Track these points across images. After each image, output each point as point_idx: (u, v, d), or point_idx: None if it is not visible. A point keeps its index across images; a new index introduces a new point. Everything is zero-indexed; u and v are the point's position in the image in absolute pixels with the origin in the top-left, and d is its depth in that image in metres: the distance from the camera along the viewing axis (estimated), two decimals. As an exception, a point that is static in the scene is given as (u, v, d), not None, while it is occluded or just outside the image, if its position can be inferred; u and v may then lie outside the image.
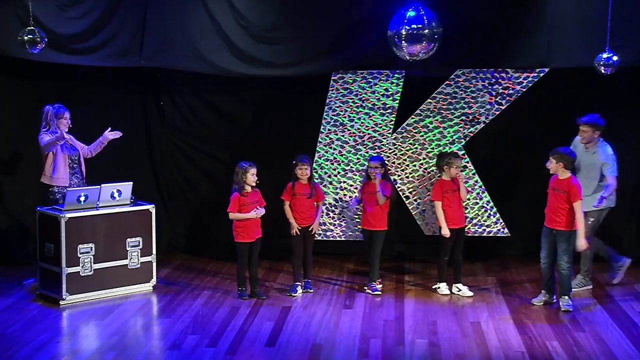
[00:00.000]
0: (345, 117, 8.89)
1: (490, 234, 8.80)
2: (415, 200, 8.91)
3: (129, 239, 7.71)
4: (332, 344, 6.45)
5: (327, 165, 8.93)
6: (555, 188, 7.30)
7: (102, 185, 7.69)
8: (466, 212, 8.39)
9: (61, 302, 7.36)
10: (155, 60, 8.50)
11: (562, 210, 7.20)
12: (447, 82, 8.73)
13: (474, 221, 8.74)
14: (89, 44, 8.33)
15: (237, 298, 7.58)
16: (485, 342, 6.48)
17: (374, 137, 8.89)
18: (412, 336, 6.63)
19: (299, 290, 7.82)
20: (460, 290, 7.78)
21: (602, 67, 7.49)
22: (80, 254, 7.43)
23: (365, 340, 6.55)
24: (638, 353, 6.21)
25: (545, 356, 6.19)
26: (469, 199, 8.46)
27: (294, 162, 7.83)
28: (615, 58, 7.44)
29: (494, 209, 8.80)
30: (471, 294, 7.71)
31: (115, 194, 7.69)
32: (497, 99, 8.73)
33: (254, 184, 7.58)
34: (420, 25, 6.27)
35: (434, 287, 7.88)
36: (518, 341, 6.51)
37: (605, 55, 7.46)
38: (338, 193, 8.81)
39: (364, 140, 8.90)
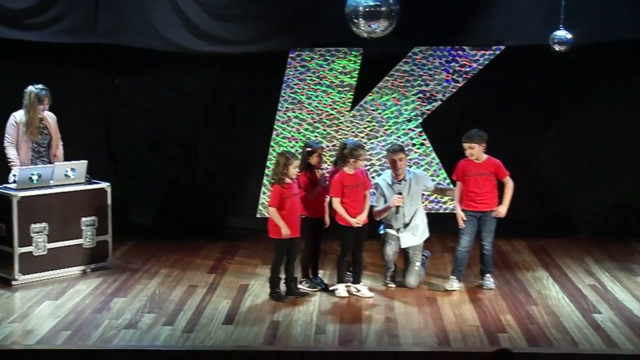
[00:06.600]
0: (302, 95, 8.87)
1: (447, 211, 8.88)
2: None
3: (83, 218, 7.60)
4: (289, 320, 6.47)
5: (284, 143, 8.90)
6: (480, 173, 7.09)
7: (55, 163, 7.57)
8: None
9: (13, 283, 7.25)
10: (110, 37, 8.36)
11: (491, 192, 7.12)
12: (405, 59, 8.76)
13: (430, 198, 8.81)
14: (40, 19, 8.15)
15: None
16: (441, 317, 6.56)
17: (332, 114, 8.88)
18: (369, 312, 6.67)
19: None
20: (359, 290, 7.06)
21: (556, 45, 7.54)
22: (33, 233, 7.31)
23: (322, 317, 6.58)
24: (587, 325, 6.34)
25: (499, 329, 6.28)
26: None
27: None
28: (569, 36, 7.49)
29: (451, 187, 8.86)
30: (371, 294, 7.02)
31: (70, 173, 7.57)
32: (453, 77, 8.78)
33: (295, 178, 6.83)
34: (378, 3, 6.23)
35: (330, 288, 7.14)
36: (473, 315, 6.60)
37: (559, 33, 7.51)
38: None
39: (321, 118, 8.90)
